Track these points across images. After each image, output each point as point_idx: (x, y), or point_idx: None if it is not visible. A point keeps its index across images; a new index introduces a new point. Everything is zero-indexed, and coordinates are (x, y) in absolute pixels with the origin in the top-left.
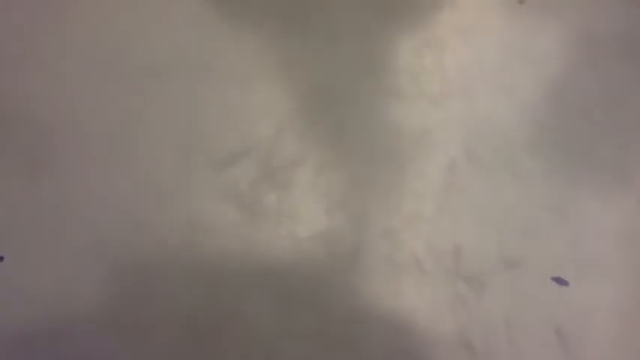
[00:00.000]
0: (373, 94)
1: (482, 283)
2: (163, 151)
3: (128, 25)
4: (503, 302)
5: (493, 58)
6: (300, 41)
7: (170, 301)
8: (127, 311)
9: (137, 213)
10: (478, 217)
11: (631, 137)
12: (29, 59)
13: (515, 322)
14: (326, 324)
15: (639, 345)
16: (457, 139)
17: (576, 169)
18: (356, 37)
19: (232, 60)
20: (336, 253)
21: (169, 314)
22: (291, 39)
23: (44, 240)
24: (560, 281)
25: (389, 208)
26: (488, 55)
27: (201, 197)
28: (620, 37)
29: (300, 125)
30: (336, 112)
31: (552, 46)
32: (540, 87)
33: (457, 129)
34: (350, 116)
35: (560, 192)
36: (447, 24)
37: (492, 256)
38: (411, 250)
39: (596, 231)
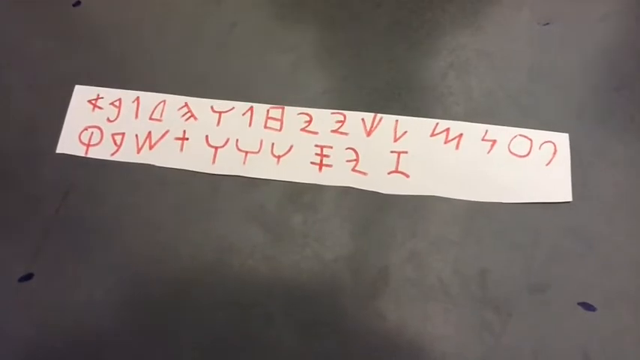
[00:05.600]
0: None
1: (509, 309)
2: (190, 172)
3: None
4: (530, 328)
5: (517, 81)
6: (326, 68)
7: (196, 323)
8: (152, 332)
9: (164, 234)
10: (503, 241)
11: None
12: None
13: (542, 348)
14: (351, 349)
15: None
16: None
17: (603, 195)
18: (381, 61)
19: (259, 85)
20: (361, 276)
21: (194, 336)
22: (316, 66)
23: (72, 259)
24: (586, 307)
25: (414, 231)
26: (512, 78)
27: (227, 218)
28: None
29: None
30: None
31: (575, 68)
32: (565, 111)
33: None
34: None
35: (586, 218)
36: (472, 47)
37: (519, 281)
38: (437, 275)
39: (623, 259)
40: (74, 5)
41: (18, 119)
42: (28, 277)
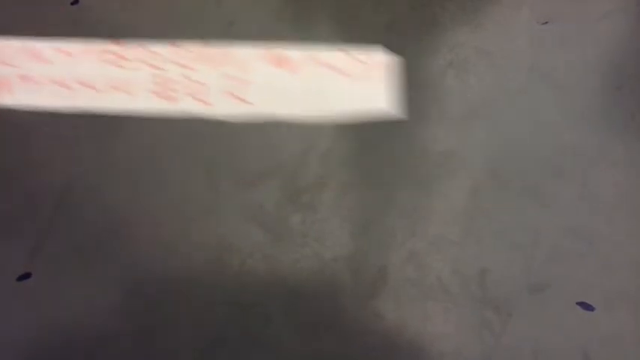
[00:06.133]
0: (397, 115)
1: (509, 308)
2: (191, 172)
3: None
4: (530, 327)
5: (516, 80)
6: None
7: (195, 321)
8: (150, 331)
9: (163, 233)
10: (503, 241)
11: None
12: None
13: (542, 348)
14: (350, 348)
15: None
16: (481, 161)
17: (603, 195)
18: None
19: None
20: (360, 275)
21: (194, 335)
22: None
23: (71, 258)
24: (585, 307)
25: (413, 231)
26: (511, 77)
27: (227, 218)
28: None
29: (325, 147)
30: (361, 134)
31: (575, 68)
32: (564, 110)
33: (481, 151)
34: (374, 139)
35: (586, 217)
36: (471, 46)
37: (518, 280)
38: (437, 274)
39: (623, 259)
40: (72, 4)
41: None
42: (26, 275)
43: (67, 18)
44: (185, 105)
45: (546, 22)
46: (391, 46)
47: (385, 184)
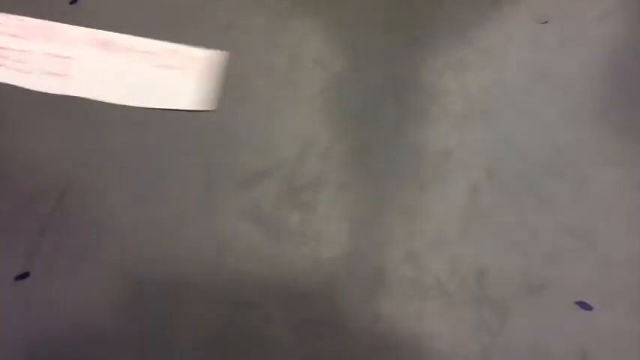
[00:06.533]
0: (396, 115)
1: (506, 308)
2: (188, 171)
3: None
4: (528, 327)
5: (515, 80)
6: (323, 67)
7: (193, 321)
8: (149, 331)
9: (161, 233)
10: (501, 240)
11: None
12: None
13: (540, 347)
14: (348, 348)
15: None
16: (480, 161)
17: (602, 194)
18: (379, 59)
19: (258, 82)
20: (358, 275)
21: (192, 335)
22: (314, 64)
23: (70, 258)
24: (584, 306)
25: (412, 230)
26: (510, 77)
27: (225, 217)
28: None
29: (324, 146)
30: (359, 134)
31: (575, 67)
32: (563, 109)
33: (480, 151)
34: (373, 138)
35: (585, 217)
36: (470, 45)
37: (516, 280)
38: (435, 274)
39: (621, 258)
40: (71, 3)
41: (13, 117)
42: (24, 275)
43: (65, 18)
44: (7, 73)
45: (546, 22)
46: (389, 46)
47: (383, 184)
